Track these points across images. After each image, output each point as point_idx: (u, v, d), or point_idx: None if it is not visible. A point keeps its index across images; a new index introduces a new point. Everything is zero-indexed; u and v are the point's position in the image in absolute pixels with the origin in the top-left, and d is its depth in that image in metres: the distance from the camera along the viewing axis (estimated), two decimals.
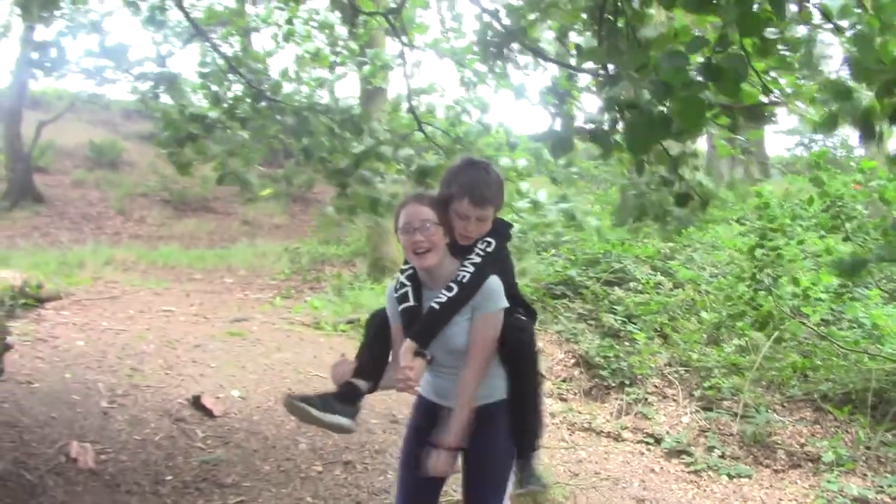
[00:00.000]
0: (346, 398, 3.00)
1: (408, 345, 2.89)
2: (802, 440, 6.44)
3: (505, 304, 2.97)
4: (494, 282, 2.95)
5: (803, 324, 7.46)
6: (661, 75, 2.98)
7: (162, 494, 4.63)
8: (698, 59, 3.07)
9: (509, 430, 3.05)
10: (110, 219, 16.21)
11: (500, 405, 3.03)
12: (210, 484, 4.84)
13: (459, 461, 3.06)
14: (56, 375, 5.97)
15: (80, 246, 13.03)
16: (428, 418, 3.10)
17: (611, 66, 3.96)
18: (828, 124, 3.37)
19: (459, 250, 3.01)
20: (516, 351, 3.01)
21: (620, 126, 3.79)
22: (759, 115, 3.87)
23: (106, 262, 11.48)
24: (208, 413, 5.75)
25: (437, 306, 2.89)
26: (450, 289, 2.89)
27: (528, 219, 5.82)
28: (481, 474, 3.08)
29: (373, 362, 3.13)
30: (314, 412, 2.90)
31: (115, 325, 7.67)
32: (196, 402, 5.85)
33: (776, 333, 7.43)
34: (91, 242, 13.56)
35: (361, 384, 3.04)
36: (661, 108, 3.17)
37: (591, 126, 3.93)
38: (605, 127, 3.89)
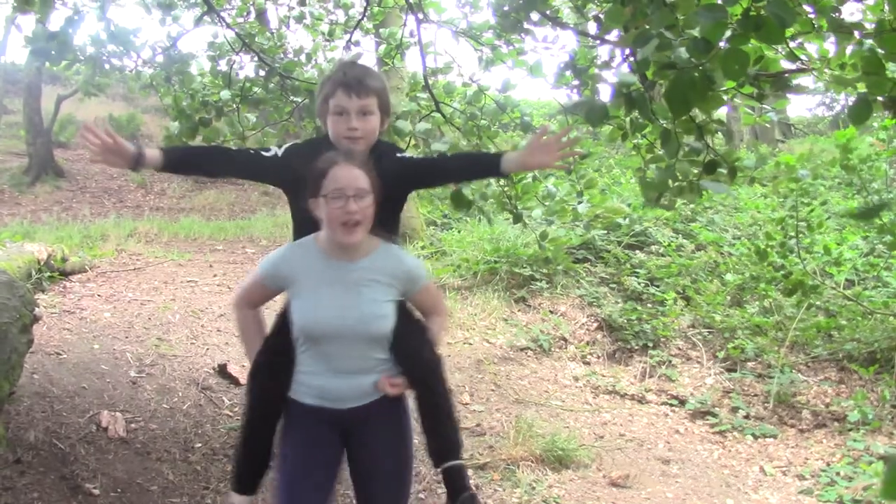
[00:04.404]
0: None
1: None
2: (828, 400, 6.42)
3: (426, 275, 2.80)
4: (412, 259, 2.83)
5: (834, 289, 7.39)
6: (700, 32, 2.87)
7: (192, 461, 4.70)
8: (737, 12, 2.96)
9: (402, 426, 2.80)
10: (131, 192, 16.25)
11: (384, 400, 2.73)
12: None
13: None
14: (84, 346, 6.03)
15: (102, 219, 13.09)
16: (330, 425, 2.78)
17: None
18: (861, 112, 3.02)
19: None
20: (423, 380, 2.74)
21: (657, 89, 3.68)
22: (785, 83, 3.75)
23: (129, 234, 11.51)
24: (234, 381, 5.81)
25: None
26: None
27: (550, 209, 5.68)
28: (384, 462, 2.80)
29: (260, 467, 2.89)
30: None
31: (141, 296, 7.73)
32: (222, 371, 5.91)
33: (805, 302, 7.37)
34: (113, 216, 13.63)
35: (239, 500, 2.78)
36: (699, 67, 3.04)
37: (625, 91, 3.76)
38: (643, 89, 3.70)
